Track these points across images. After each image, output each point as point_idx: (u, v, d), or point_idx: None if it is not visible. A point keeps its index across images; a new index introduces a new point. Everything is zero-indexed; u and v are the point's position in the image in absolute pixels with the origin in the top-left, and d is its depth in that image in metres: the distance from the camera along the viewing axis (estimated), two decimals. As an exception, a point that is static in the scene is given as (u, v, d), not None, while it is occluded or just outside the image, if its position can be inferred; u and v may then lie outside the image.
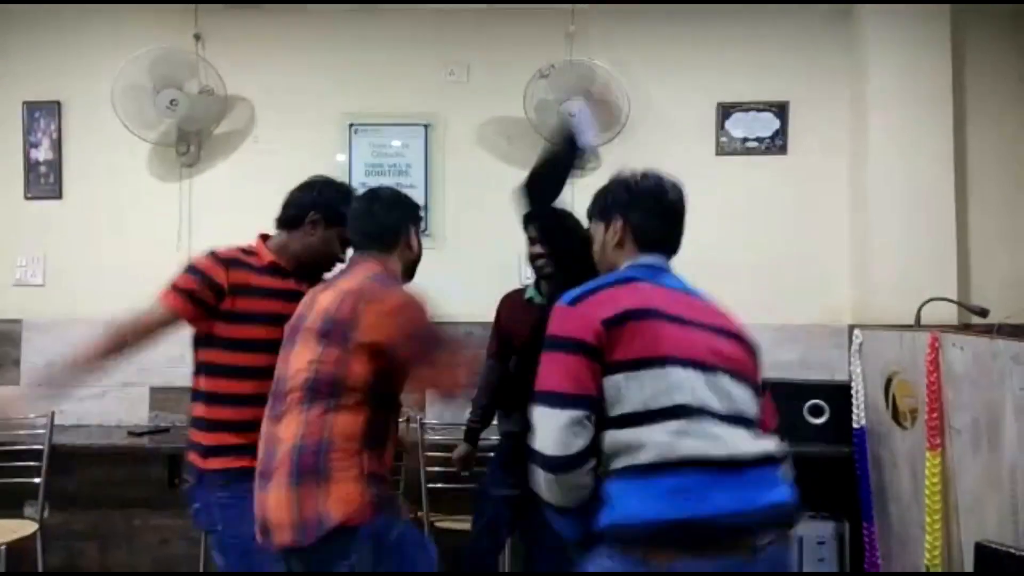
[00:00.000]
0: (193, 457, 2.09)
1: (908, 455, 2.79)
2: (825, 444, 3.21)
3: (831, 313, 3.70)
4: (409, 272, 2.03)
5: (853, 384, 3.15)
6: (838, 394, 3.24)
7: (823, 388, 3.33)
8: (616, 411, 1.47)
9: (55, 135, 3.81)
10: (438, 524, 3.21)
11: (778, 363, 3.35)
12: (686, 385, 1.46)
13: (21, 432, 3.25)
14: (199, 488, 2.06)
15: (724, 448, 1.43)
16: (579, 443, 1.45)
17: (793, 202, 3.78)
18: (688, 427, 1.43)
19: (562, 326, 1.53)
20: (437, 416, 3.46)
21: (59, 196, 3.81)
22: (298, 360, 1.80)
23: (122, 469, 3.58)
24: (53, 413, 3.26)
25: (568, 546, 1.57)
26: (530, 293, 2.79)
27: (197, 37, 3.75)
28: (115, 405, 3.71)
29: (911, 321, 3.04)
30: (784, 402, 3.20)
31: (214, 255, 2.15)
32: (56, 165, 3.81)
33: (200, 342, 2.15)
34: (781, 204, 3.77)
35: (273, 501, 1.73)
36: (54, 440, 3.24)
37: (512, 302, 2.89)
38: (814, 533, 3.28)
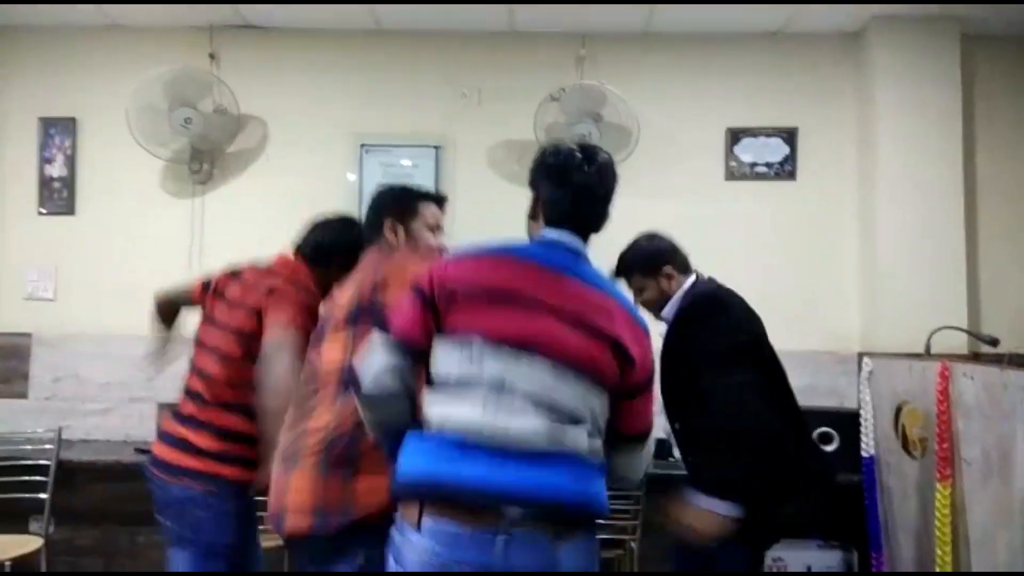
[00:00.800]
0: (181, 457, 2.13)
1: (918, 485, 2.77)
2: (834, 472, 3.18)
3: (840, 340, 3.69)
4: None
5: (862, 412, 3.13)
6: (847, 422, 3.21)
7: (832, 415, 3.31)
8: (431, 374, 1.53)
9: (69, 151, 3.85)
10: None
11: (786, 389, 3.33)
12: (488, 361, 1.47)
13: (28, 447, 3.26)
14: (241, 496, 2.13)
15: (505, 424, 1.43)
16: (387, 384, 1.53)
17: (802, 227, 3.78)
18: (468, 399, 1.45)
19: (419, 276, 1.58)
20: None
21: (72, 212, 3.85)
22: (330, 352, 1.75)
23: (128, 485, 3.56)
24: (60, 429, 3.27)
25: None
26: None
27: (212, 57, 3.80)
28: (122, 421, 3.72)
29: (920, 349, 3.03)
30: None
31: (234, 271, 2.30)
32: (70, 181, 3.85)
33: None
34: (790, 229, 3.77)
35: (296, 486, 1.67)
36: (60, 455, 3.24)
37: None
38: (823, 562, 3.24)
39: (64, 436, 3.33)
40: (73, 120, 3.85)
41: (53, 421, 3.45)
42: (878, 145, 3.61)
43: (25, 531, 3.32)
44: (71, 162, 3.85)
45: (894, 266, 3.53)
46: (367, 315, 1.70)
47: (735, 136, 3.81)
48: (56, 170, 3.86)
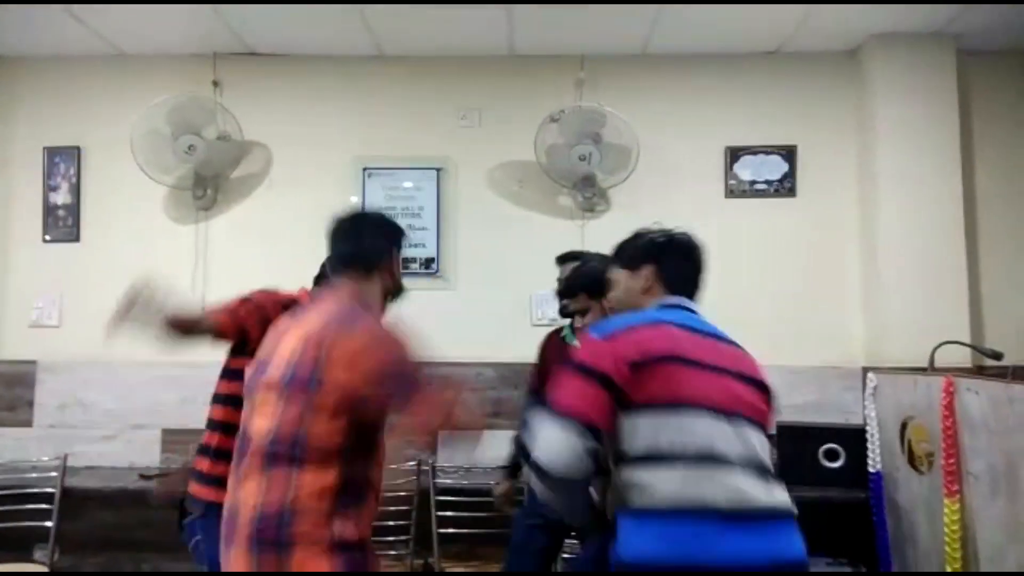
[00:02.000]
0: (201, 490, 2.14)
1: (925, 501, 2.75)
2: (841, 489, 3.16)
3: (844, 356, 3.69)
4: (392, 298, 1.91)
5: (868, 428, 3.12)
6: (853, 438, 3.20)
7: (838, 431, 3.29)
8: (632, 450, 1.51)
9: (74, 179, 3.89)
10: (449, 570, 3.17)
11: (792, 406, 3.33)
12: (703, 431, 1.49)
13: (33, 475, 3.26)
14: (204, 519, 2.09)
15: (737, 497, 1.45)
16: (583, 467, 1.50)
17: (803, 244, 3.79)
18: (702, 473, 1.46)
19: (592, 357, 1.57)
20: (447, 459, 3.44)
21: (76, 239, 3.87)
22: (260, 417, 1.65)
23: (132, 512, 3.56)
24: (65, 456, 3.26)
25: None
26: (564, 332, 2.81)
27: (215, 84, 3.85)
28: (126, 447, 3.71)
29: (924, 364, 3.02)
30: (799, 445, 3.22)
31: (276, 294, 2.23)
32: (74, 208, 3.88)
33: (232, 374, 2.21)
34: (791, 246, 3.78)
35: (234, 564, 1.60)
36: (65, 483, 3.23)
37: (551, 340, 2.91)
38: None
39: (69, 463, 3.33)
40: (78, 149, 3.89)
41: (58, 448, 3.45)
42: (877, 161, 3.63)
43: (29, 559, 3.31)
44: (76, 190, 3.88)
45: (896, 281, 3.54)
46: (301, 386, 1.61)
47: (734, 154, 3.83)
48: (61, 198, 3.89)
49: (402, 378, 1.62)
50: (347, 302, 1.75)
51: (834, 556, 3.29)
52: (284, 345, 1.69)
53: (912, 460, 2.86)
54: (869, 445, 3.10)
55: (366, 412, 1.63)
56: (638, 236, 1.88)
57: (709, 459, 1.47)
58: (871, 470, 3.08)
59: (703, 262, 1.86)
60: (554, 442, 1.49)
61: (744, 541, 1.42)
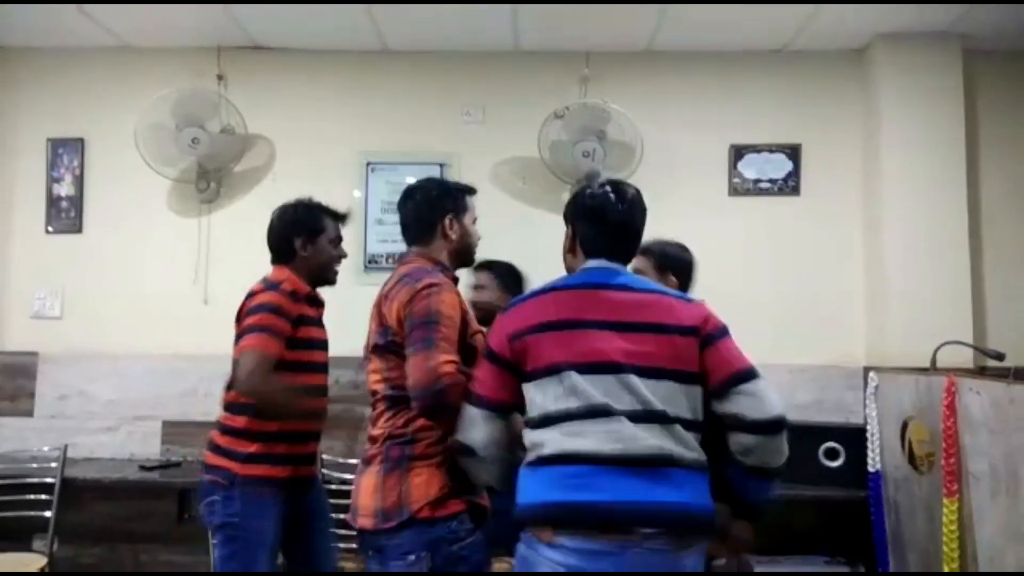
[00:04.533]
0: (223, 461, 2.26)
1: (925, 501, 2.75)
2: (841, 488, 3.16)
3: (846, 355, 3.68)
4: (461, 258, 2.07)
5: (869, 427, 3.12)
6: (853, 437, 3.20)
7: (838, 431, 3.29)
8: (530, 415, 1.67)
9: (78, 171, 3.89)
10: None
11: (792, 405, 3.32)
12: (585, 389, 1.59)
13: (33, 465, 3.26)
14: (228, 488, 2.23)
15: (621, 445, 1.56)
16: (485, 438, 1.70)
17: (806, 243, 3.78)
18: (582, 427, 1.58)
19: (489, 337, 1.77)
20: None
21: (79, 230, 3.87)
22: (373, 375, 1.95)
23: (132, 503, 3.57)
24: (66, 446, 3.27)
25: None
26: None
27: (220, 78, 3.84)
28: (127, 439, 3.72)
29: (926, 364, 3.02)
30: (799, 444, 3.19)
31: (282, 289, 2.30)
32: (78, 200, 3.88)
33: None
34: (795, 245, 3.78)
35: (364, 486, 1.87)
36: (65, 473, 3.24)
37: None
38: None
39: (69, 454, 3.33)
40: (81, 140, 3.89)
41: (59, 439, 3.45)
42: (882, 160, 3.62)
43: (29, 549, 3.32)
44: (79, 182, 3.88)
45: (899, 281, 3.53)
46: (388, 339, 1.88)
47: (738, 152, 3.83)
48: (64, 189, 3.90)
49: (421, 323, 1.80)
50: (413, 266, 1.95)
51: (832, 555, 3.29)
52: (372, 316, 1.98)
53: (912, 460, 2.85)
54: (869, 445, 3.10)
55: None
56: (574, 191, 1.92)
57: (596, 413, 1.58)
58: (871, 470, 3.08)
59: (622, 227, 1.79)
60: (467, 424, 1.71)
61: (626, 483, 1.53)
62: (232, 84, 3.86)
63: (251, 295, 2.32)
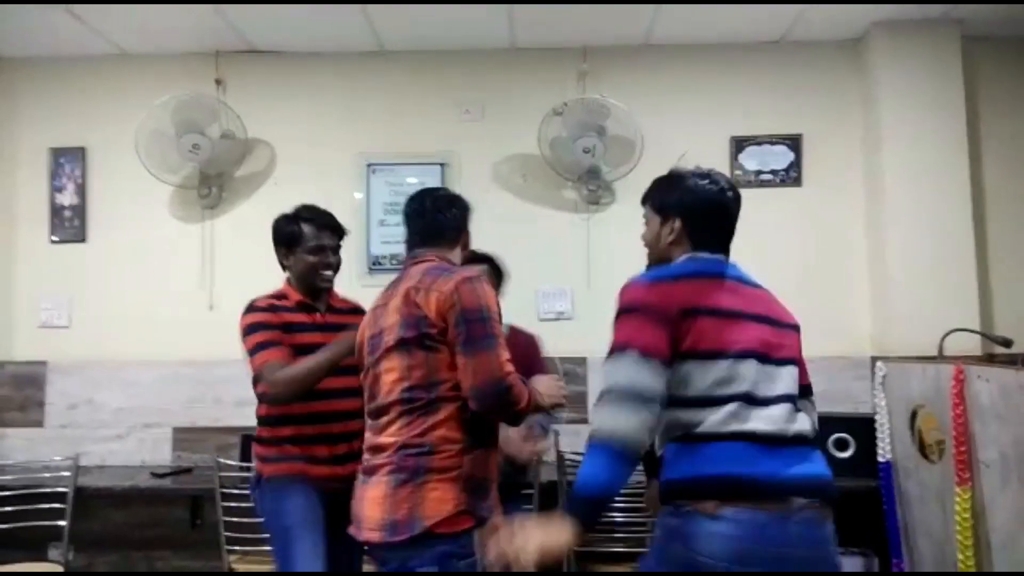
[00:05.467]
0: (256, 465, 2.39)
1: (937, 489, 2.75)
2: (851, 478, 3.15)
3: (852, 345, 3.68)
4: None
5: (877, 417, 3.11)
6: (862, 427, 3.19)
7: (848, 421, 3.28)
8: (680, 393, 1.65)
9: (80, 180, 3.90)
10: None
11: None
12: (746, 375, 1.65)
13: (46, 475, 3.28)
14: (256, 487, 2.34)
15: (773, 427, 1.65)
16: (653, 392, 1.61)
17: (810, 233, 3.78)
18: (739, 411, 1.63)
19: (647, 298, 1.68)
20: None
21: (83, 239, 3.88)
22: (388, 376, 1.85)
23: (145, 510, 3.59)
24: (78, 455, 3.28)
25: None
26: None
27: (218, 83, 3.85)
28: (138, 446, 3.74)
29: (933, 352, 3.01)
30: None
31: (256, 307, 2.34)
32: (80, 209, 3.89)
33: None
34: (798, 236, 3.77)
35: (371, 497, 1.81)
36: (77, 482, 3.25)
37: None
38: (843, 568, 3.21)
39: (80, 463, 3.35)
40: (83, 149, 3.90)
41: (69, 448, 3.47)
42: (883, 149, 3.61)
43: (44, 559, 3.34)
44: (81, 191, 3.89)
45: (904, 269, 3.52)
46: (413, 334, 1.81)
47: (739, 144, 3.82)
48: (67, 199, 3.90)
49: (478, 323, 1.78)
50: (433, 264, 1.93)
51: (845, 545, 3.28)
52: (388, 314, 1.88)
53: (923, 449, 2.85)
54: (879, 434, 3.09)
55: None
56: (672, 182, 1.88)
57: (751, 399, 1.64)
58: (881, 459, 3.07)
59: (736, 213, 1.86)
60: (628, 418, 1.58)
61: (778, 462, 1.62)
62: (231, 89, 3.87)
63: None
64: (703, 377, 1.65)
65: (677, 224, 1.82)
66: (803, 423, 1.71)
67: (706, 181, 1.83)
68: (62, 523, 3.19)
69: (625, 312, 1.68)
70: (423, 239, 2.02)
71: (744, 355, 1.66)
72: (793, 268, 3.74)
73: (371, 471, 1.85)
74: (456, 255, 2.04)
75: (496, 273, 2.83)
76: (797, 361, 1.79)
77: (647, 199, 1.92)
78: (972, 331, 3.17)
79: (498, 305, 1.87)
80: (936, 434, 2.75)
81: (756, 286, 1.83)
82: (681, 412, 1.66)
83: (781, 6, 3.47)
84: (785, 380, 1.72)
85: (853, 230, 3.77)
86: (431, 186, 2.15)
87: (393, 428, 1.83)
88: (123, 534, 3.60)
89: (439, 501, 1.75)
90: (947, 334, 2.99)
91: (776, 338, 1.73)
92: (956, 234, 3.53)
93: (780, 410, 1.68)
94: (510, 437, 2.48)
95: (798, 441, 1.68)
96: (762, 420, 1.64)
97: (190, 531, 3.53)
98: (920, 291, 3.48)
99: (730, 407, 1.63)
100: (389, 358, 1.86)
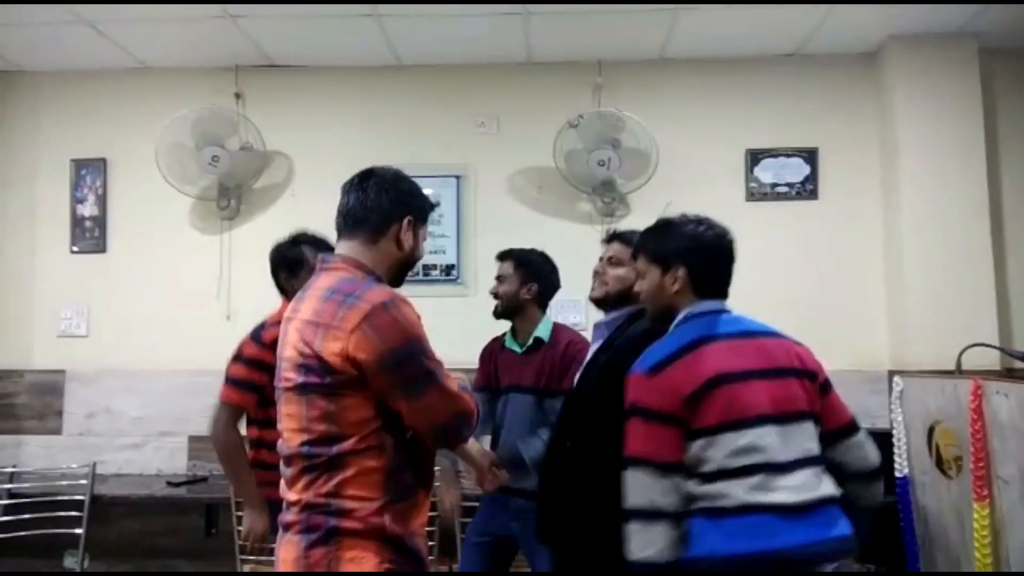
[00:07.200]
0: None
1: (954, 505, 2.72)
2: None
3: (869, 359, 3.65)
4: (399, 274, 1.70)
5: (895, 432, 3.08)
6: (879, 442, 3.07)
7: (863, 435, 3.25)
8: (701, 469, 1.63)
9: (100, 191, 3.95)
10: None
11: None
12: (765, 444, 1.62)
13: (63, 483, 3.30)
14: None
15: (793, 496, 1.60)
16: (670, 504, 1.61)
17: (826, 246, 3.76)
18: (763, 481, 1.60)
19: (648, 397, 1.65)
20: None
21: (103, 250, 3.93)
22: (288, 423, 1.57)
23: (161, 519, 3.61)
24: (95, 463, 3.31)
25: None
26: (505, 338, 2.81)
27: (238, 96, 3.89)
28: (154, 455, 3.77)
29: (951, 366, 2.98)
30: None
31: (263, 341, 2.35)
32: (101, 220, 3.94)
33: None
34: (814, 249, 3.76)
35: (283, 559, 1.56)
36: (94, 490, 3.28)
37: (492, 346, 2.86)
38: (859, 586, 3.18)
39: (97, 471, 3.37)
40: (104, 161, 3.96)
41: (87, 456, 3.50)
42: (900, 162, 3.59)
43: (60, 566, 3.36)
44: (102, 201, 3.95)
45: (921, 283, 3.50)
46: (312, 379, 1.51)
47: (755, 157, 3.82)
48: (88, 209, 3.96)
49: (408, 360, 1.49)
50: (345, 273, 1.59)
51: (862, 561, 3.25)
52: (290, 340, 1.58)
53: (940, 464, 2.82)
54: (896, 449, 3.06)
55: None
56: (668, 231, 1.83)
57: (773, 467, 1.61)
58: (898, 475, 3.04)
59: (734, 255, 1.83)
60: (643, 491, 1.61)
61: (805, 531, 1.59)
62: (250, 102, 3.91)
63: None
64: (722, 449, 1.61)
65: (681, 273, 1.78)
66: (827, 487, 1.67)
67: (703, 227, 1.82)
68: (78, 531, 3.21)
69: (632, 414, 1.66)
70: (345, 222, 1.67)
71: (760, 421, 1.63)
72: (809, 281, 3.72)
73: (285, 526, 1.58)
74: (378, 255, 1.64)
75: (529, 269, 2.71)
76: (814, 413, 1.72)
77: (640, 250, 1.87)
78: (991, 346, 3.14)
79: (418, 318, 1.56)
80: (954, 450, 2.72)
81: (754, 335, 1.77)
82: (703, 486, 1.63)
83: (796, 20, 3.48)
84: (804, 440, 1.67)
85: (869, 243, 3.75)
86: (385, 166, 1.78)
87: (299, 485, 1.54)
88: (138, 542, 3.62)
89: (358, 564, 1.48)
90: (965, 349, 2.96)
91: (783, 390, 1.68)
92: (974, 248, 3.51)
93: (804, 476, 1.63)
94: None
95: (824, 503, 1.64)
96: (787, 491, 1.60)
97: (205, 540, 3.54)
98: (938, 305, 3.45)
99: (754, 479, 1.60)
100: (287, 401, 1.57)
